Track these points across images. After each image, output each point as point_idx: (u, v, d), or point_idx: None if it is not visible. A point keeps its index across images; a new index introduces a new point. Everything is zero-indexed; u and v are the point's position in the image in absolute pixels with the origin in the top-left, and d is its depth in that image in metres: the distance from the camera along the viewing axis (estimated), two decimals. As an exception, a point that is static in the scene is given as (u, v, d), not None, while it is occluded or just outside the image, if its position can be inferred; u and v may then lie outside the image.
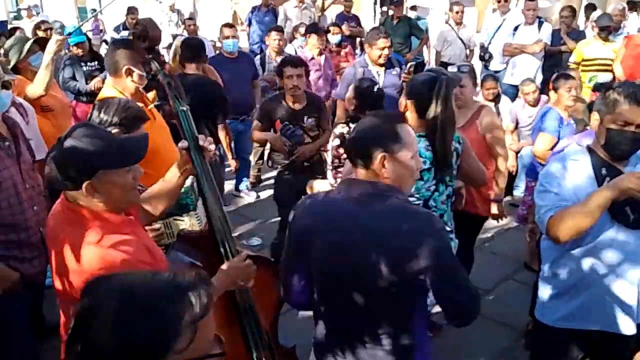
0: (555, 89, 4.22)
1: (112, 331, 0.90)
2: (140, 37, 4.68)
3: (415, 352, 1.77)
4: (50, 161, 1.65)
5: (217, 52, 6.27)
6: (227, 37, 5.42)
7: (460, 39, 7.49)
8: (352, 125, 3.27)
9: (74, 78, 5.39)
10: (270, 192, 6.07)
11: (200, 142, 1.97)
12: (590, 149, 2.22)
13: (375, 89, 3.45)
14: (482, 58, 7.30)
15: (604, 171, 2.14)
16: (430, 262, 1.62)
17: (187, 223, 2.64)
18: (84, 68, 5.43)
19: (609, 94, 2.10)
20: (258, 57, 6.29)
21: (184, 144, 1.96)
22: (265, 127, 4.12)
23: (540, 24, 6.69)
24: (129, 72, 2.82)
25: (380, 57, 4.58)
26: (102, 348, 0.90)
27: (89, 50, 5.56)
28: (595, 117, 2.18)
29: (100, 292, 0.96)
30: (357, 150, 1.75)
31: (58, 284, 1.72)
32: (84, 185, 1.62)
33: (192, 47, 4.44)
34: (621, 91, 2.06)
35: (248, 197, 5.83)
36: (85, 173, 1.62)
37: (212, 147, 2.01)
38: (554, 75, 4.35)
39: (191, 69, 4.35)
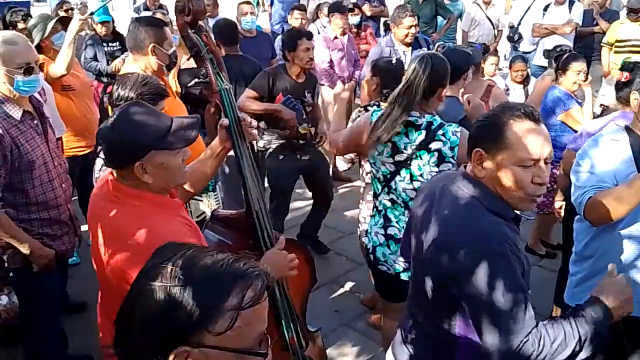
0: (564, 70, 3.90)
1: (164, 293, 0.92)
2: (183, 11, 4.59)
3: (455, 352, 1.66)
4: (102, 139, 1.66)
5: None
6: (245, 14, 5.32)
7: (489, 19, 7.31)
8: (370, 109, 3.17)
9: (95, 58, 5.39)
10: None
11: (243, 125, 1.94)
12: (628, 129, 2.16)
13: (394, 61, 3.32)
14: (511, 39, 7.11)
15: None
16: (464, 286, 1.47)
17: (206, 203, 2.62)
18: (106, 49, 5.43)
19: None
20: (279, 37, 6.19)
21: (225, 121, 1.93)
22: (258, 98, 3.88)
23: (571, 4, 6.48)
24: (154, 50, 2.78)
25: (407, 36, 4.47)
26: (149, 307, 0.92)
27: (112, 31, 5.53)
28: (635, 96, 2.14)
29: (166, 255, 0.97)
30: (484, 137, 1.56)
31: (99, 262, 1.71)
32: (135, 165, 1.61)
33: (228, 30, 4.38)
34: None
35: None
36: (137, 153, 1.60)
37: (254, 128, 1.99)
38: (565, 56, 4.03)
39: (226, 51, 4.27)
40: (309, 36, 3.96)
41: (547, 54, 5.32)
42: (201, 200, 2.63)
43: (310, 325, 2.27)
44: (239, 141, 1.96)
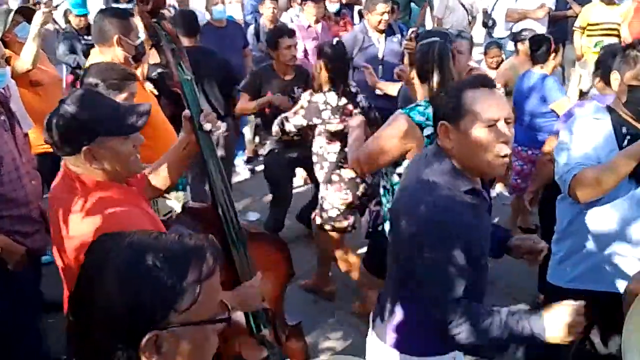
0: (550, 54, 4.06)
1: (119, 288, 0.90)
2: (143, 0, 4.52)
3: (418, 327, 1.74)
4: (50, 124, 1.63)
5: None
6: (216, 4, 5.24)
7: (463, 5, 7.31)
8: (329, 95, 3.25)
9: (71, 51, 5.29)
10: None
11: (202, 118, 1.90)
12: (610, 108, 2.20)
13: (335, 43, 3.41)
14: (485, 25, 7.13)
15: (624, 130, 2.14)
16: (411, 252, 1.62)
17: (174, 202, 2.59)
18: (82, 42, 5.33)
19: (629, 52, 2.10)
20: (252, 27, 6.13)
21: (187, 113, 1.91)
22: (252, 98, 4.01)
23: (544, -12, 6.51)
24: (120, 42, 2.75)
25: (380, 22, 4.44)
26: (108, 307, 0.90)
27: (87, 25, 5.43)
28: (615, 76, 2.17)
29: (106, 248, 0.95)
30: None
31: (57, 255, 1.70)
32: (82, 150, 1.59)
33: (187, 20, 4.27)
34: None
35: (243, 171, 5.75)
36: (84, 138, 1.60)
37: (219, 122, 1.96)
38: (539, 40, 4.13)
39: (186, 42, 4.15)
40: (291, 33, 3.95)
41: (513, 36, 5.38)
42: (169, 199, 2.60)
43: (290, 319, 2.25)
44: (202, 133, 1.92)
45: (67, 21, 5.66)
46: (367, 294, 3.28)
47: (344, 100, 3.29)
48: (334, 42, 3.40)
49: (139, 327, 0.90)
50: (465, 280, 1.57)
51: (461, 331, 1.54)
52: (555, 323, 1.53)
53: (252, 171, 5.82)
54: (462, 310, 1.55)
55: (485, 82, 1.63)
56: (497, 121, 1.57)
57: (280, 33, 3.93)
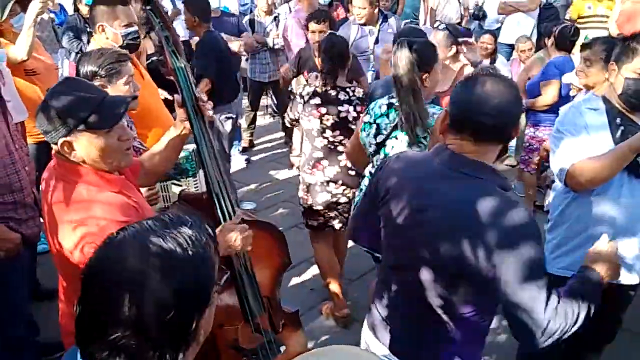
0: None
1: (161, 284, 0.84)
2: None
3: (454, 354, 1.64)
4: (37, 113, 1.64)
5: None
6: None
7: (457, -1, 7.33)
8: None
9: (78, 38, 5.27)
10: (262, 155, 6.09)
11: (200, 103, 1.91)
12: (605, 99, 2.23)
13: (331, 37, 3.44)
14: (476, 17, 7.17)
15: (618, 120, 2.16)
16: (502, 262, 1.42)
17: (184, 188, 2.60)
18: (88, 30, 5.30)
19: (628, 44, 2.11)
20: (247, 17, 6.12)
21: (179, 98, 1.91)
22: (295, 74, 4.39)
23: (535, -19, 6.55)
24: (102, 30, 2.77)
25: (359, 16, 4.46)
26: (164, 304, 0.84)
27: None
28: (612, 67, 2.19)
29: (117, 254, 0.88)
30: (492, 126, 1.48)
31: (51, 243, 1.70)
32: (59, 142, 1.60)
33: (201, 6, 4.38)
34: None
35: (238, 161, 5.76)
36: (60, 130, 1.59)
37: (209, 107, 1.95)
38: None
39: (204, 28, 4.36)
40: (318, 19, 4.21)
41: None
42: (180, 185, 2.61)
43: (286, 307, 2.25)
44: (196, 121, 1.92)
45: (76, 9, 5.62)
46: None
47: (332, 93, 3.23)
48: (331, 37, 3.38)
49: (186, 333, 0.88)
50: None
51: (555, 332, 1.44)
52: (603, 269, 1.60)
53: (248, 161, 5.85)
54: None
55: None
56: None
57: (310, 17, 4.32)
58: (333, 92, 3.18)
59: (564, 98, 4.16)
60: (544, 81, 4.38)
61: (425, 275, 1.57)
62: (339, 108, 3.17)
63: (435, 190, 1.54)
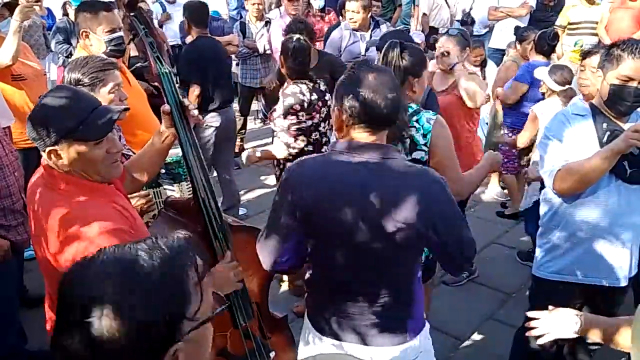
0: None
1: (122, 317, 0.83)
2: None
3: (414, 305, 1.78)
4: (28, 119, 1.62)
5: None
6: None
7: (447, 3, 7.38)
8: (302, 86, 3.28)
9: (67, 42, 5.25)
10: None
11: (187, 105, 1.91)
12: (592, 105, 2.27)
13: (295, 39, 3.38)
14: (464, 23, 7.22)
15: (605, 126, 2.20)
16: (439, 214, 1.63)
17: (178, 193, 2.59)
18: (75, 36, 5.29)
19: (613, 50, 2.14)
20: (237, 22, 6.12)
21: (166, 107, 1.89)
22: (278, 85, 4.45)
23: (526, -14, 6.61)
24: (87, 36, 2.75)
25: (352, 20, 4.48)
26: (114, 338, 0.83)
27: None
28: (598, 74, 2.23)
29: (94, 279, 0.86)
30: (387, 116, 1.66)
31: (37, 250, 1.69)
32: (45, 151, 1.59)
33: (197, 11, 4.38)
34: (625, 47, 2.09)
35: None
36: (47, 139, 1.58)
37: (195, 111, 1.95)
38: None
39: (196, 33, 4.34)
40: (294, 32, 4.04)
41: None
42: (173, 190, 2.59)
43: (275, 312, 2.24)
44: (182, 127, 1.91)
45: (65, 13, 5.60)
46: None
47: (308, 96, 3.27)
48: (294, 39, 3.34)
49: (155, 346, 0.86)
50: None
51: None
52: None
53: (238, 166, 5.83)
54: None
55: None
56: None
57: (287, 29, 4.06)
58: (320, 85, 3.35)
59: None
60: (515, 81, 4.41)
61: (384, 252, 1.67)
62: (327, 97, 3.32)
63: (361, 180, 1.63)
